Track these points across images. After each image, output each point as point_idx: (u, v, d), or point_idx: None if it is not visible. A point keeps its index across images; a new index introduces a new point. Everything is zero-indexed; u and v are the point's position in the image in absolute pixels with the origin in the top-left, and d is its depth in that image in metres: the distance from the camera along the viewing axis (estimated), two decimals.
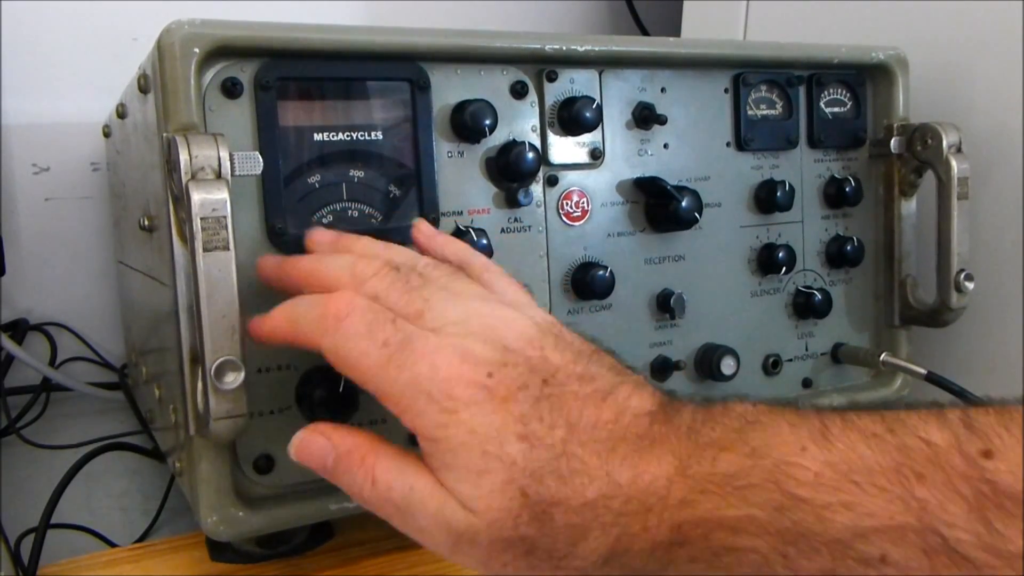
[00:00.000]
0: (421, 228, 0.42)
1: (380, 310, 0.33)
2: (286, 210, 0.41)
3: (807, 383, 0.58)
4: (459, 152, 0.46)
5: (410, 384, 0.31)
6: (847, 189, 0.57)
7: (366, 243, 0.38)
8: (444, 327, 0.32)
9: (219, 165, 0.36)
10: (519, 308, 0.34)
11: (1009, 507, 0.24)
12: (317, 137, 0.42)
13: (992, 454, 0.25)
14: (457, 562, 0.31)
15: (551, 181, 0.48)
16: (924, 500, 0.25)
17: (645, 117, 0.50)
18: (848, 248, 0.57)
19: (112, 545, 0.51)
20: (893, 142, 0.57)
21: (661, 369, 0.52)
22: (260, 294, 0.41)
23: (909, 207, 0.58)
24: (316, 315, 0.34)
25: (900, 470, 0.25)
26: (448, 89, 0.45)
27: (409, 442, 0.44)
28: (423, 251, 0.41)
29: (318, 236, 0.40)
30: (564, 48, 0.47)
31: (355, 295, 0.33)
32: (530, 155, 0.45)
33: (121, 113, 0.55)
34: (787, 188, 0.54)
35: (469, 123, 0.44)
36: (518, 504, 0.29)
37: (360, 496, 0.33)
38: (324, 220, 0.42)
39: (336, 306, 0.33)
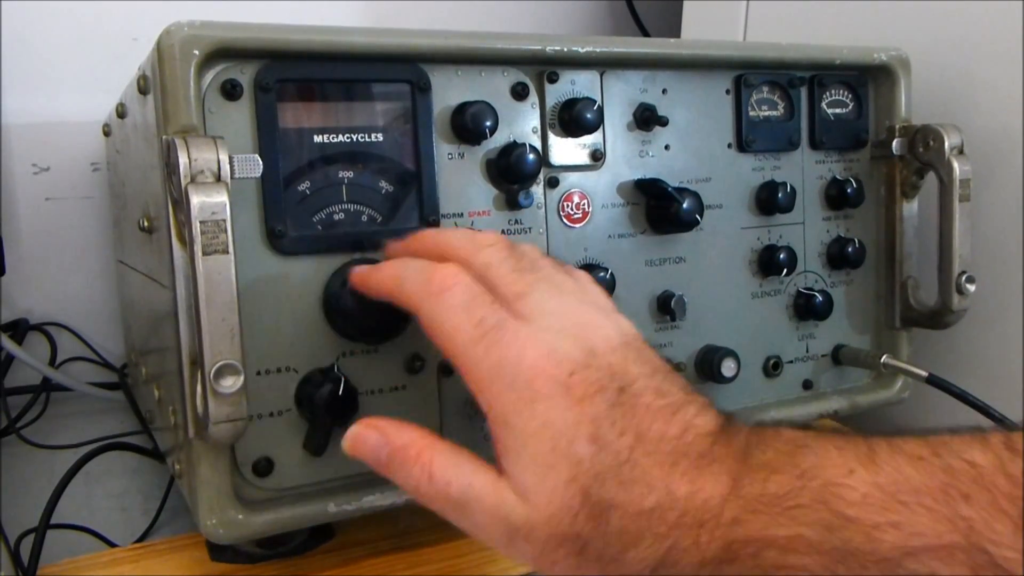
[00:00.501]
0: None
1: (482, 291, 0.34)
2: (286, 212, 0.41)
3: (807, 385, 0.58)
4: (459, 154, 0.46)
5: (495, 367, 0.32)
6: (848, 190, 0.57)
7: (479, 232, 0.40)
8: (539, 317, 0.33)
9: (219, 168, 0.36)
10: (610, 314, 0.35)
11: None
12: (317, 139, 0.42)
13: None
14: (510, 556, 0.32)
15: (552, 183, 0.48)
16: (970, 519, 0.25)
17: (646, 118, 0.50)
18: (849, 250, 0.57)
19: (112, 545, 0.51)
20: (895, 143, 0.57)
21: None
22: (261, 297, 0.41)
23: (911, 209, 0.58)
24: (422, 279, 0.35)
25: (946, 491, 0.26)
26: (449, 90, 0.45)
27: None
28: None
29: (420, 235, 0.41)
30: (565, 49, 0.47)
31: (462, 270, 0.35)
32: (531, 157, 0.45)
33: (121, 113, 0.55)
34: (788, 189, 0.54)
35: (470, 124, 0.44)
36: (578, 502, 0.30)
37: (416, 491, 0.34)
38: (324, 222, 0.42)
39: (442, 276, 0.34)
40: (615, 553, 0.30)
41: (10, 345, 0.72)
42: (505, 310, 0.33)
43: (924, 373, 0.55)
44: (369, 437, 0.35)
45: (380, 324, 0.41)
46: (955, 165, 0.55)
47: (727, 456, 0.30)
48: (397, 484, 0.34)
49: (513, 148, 0.46)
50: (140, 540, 0.52)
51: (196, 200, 0.35)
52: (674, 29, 0.88)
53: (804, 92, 0.56)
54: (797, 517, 0.27)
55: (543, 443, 0.31)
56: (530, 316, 0.33)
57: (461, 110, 0.45)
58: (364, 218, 0.43)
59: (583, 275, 0.39)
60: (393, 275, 0.37)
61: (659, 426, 0.31)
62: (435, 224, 0.44)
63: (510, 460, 0.31)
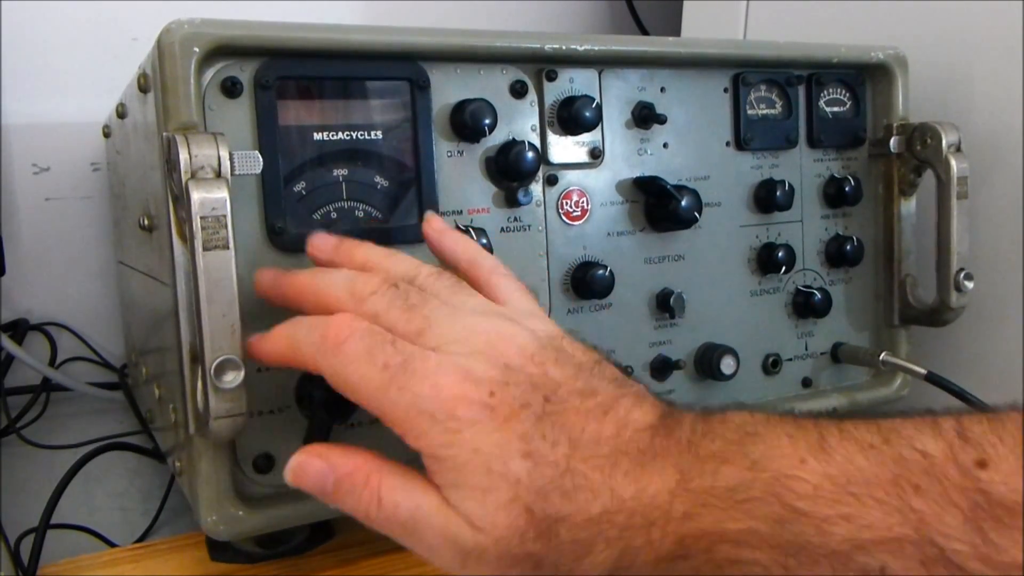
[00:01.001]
0: (432, 223, 0.41)
1: (379, 332, 0.33)
2: (286, 209, 0.41)
3: (807, 382, 0.58)
4: (459, 151, 0.46)
5: (412, 405, 0.31)
6: (847, 188, 0.57)
7: (366, 252, 0.38)
8: (445, 345, 0.32)
9: (219, 164, 0.36)
10: (521, 320, 0.34)
11: (1003, 517, 0.24)
12: (317, 136, 0.42)
13: (986, 464, 0.25)
14: None
15: (551, 180, 0.48)
16: (921, 512, 0.25)
17: (645, 116, 0.50)
18: (848, 248, 0.57)
19: (112, 545, 0.51)
20: (892, 142, 0.57)
21: (661, 369, 0.52)
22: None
23: (909, 207, 0.58)
24: (316, 339, 0.34)
25: (897, 482, 0.26)
26: (448, 88, 0.45)
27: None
28: (433, 247, 0.41)
29: (318, 242, 0.39)
30: (564, 47, 0.47)
31: (354, 318, 0.33)
32: (530, 154, 0.45)
33: (121, 113, 0.55)
34: (787, 187, 0.54)
35: (469, 122, 0.44)
36: (524, 521, 0.29)
37: (366, 517, 0.33)
38: (323, 219, 0.42)
39: (335, 330, 0.33)
40: (570, 563, 0.29)
41: (10, 345, 0.72)
42: (410, 345, 0.32)
43: (923, 371, 0.55)
44: (311, 465, 0.33)
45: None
46: (953, 163, 0.55)
47: (670, 448, 0.29)
48: (346, 511, 0.33)
49: (512, 146, 0.46)
50: (140, 540, 0.52)
51: (196, 196, 0.35)
52: (674, 29, 0.88)
53: (802, 90, 0.56)
54: (749, 511, 0.27)
55: (478, 470, 0.30)
56: (436, 347, 0.32)
57: (460, 108, 0.45)
58: (364, 215, 0.43)
59: (502, 272, 0.38)
60: (285, 341, 0.35)
61: (593, 428, 0.30)
62: None
63: (449, 492, 0.31)
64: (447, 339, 0.32)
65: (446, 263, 0.40)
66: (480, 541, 0.30)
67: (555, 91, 0.48)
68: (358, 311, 0.34)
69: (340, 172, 0.43)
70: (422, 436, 0.31)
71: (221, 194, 0.36)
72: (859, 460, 0.27)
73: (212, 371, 0.35)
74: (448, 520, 0.30)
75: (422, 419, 0.31)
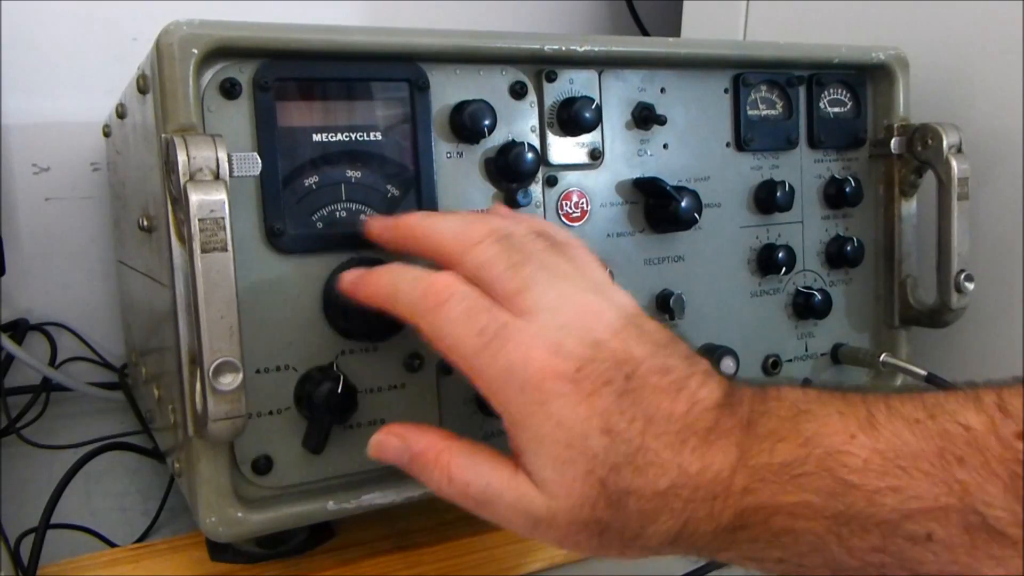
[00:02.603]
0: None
1: (477, 297, 0.34)
2: (285, 211, 0.41)
3: (807, 384, 0.57)
4: (458, 152, 0.46)
5: (503, 373, 0.33)
6: (847, 189, 0.57)
7: (467, 211, 0.40)
8: (539, 313, 0.33)
9: (217, 166, 0.36)
10: (607, 294, 0.35)
11: None
12: (316, 138, 0.42)
13: None
14: (533, 538, 0.34)
15: (550, 181, 0.48)
16: (965, 482, 0.27)
17: (645, 117, 0.50)
18: (848, 248, 0.57)
19: (112, 545, 0.51)
20: (893, 142, 0.57)
21: None
22: (259, 295, 0.41)
23: (909, 207, 0.58)
24: (417, 294, 0.35)
25: (942, 455, 0.27)
26: (447, 89, 0.45)
27: None
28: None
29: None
30: (563, 48, 0.47)
31: (456, 279, 0.35)
32: (529, 155, 0.45)
33: (121, 113, 0.55)
34: (787, 188, 0.54)
35: (468, 123, 0.44)
36: (596, 492, 0.31)
37: (439, 491, 0.35)
38: (323, 221, 0.42)
39: (436, 289, 0.35)
40: (635, 531, 0.31)
41: (10, 345, 0.72)
42: (504, 311, 0.34)
43: (923, 372, 0.55)
44: (390, 443, 0.37)
45: (379, 323, 0.41)
46: (953, 164, 0.55)
47: (733, 428, 0.31)
48: (423, 484, 0.36)
49: (512, 147, 0.46)
50: (140, 540, 0.52)
51: (195, 198, 0.35)
52: (674, 29, 0.88)
53: (803, 91, 0.56)
54: (803, 484, 0.29)
55: (558, 441, 0.31)
56: (530, 313, 0.33)
57: (460, 109, 0.45)
58: (363, 217, 0.43)
59: (576, 246, 0.39)
60: (386, 286, 0.37)
61: (666, 405, 0.31)
62: None
63: (528, 459, 0.32)
64: (542, 306, 0.34)
65: None
66: (552, 508, 0.32)
67: (555, 92, 0.48)
68: (464, 259, 0.36)
69: (339, 173, 0.42)
70: (509, 403, 0.33)
71: (219, 196, 0.36)
72: (906, 435, 0.28)
73: (211, 373, 0.35)
74: (520, 493, 0.33)
75: (511, 387, 0.32)
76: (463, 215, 0.40)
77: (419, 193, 0.44)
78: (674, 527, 0.31)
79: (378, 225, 0.41)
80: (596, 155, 0.49)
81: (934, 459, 0.27)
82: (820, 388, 0.32)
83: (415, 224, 0.39)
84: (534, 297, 0.34)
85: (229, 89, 0.40)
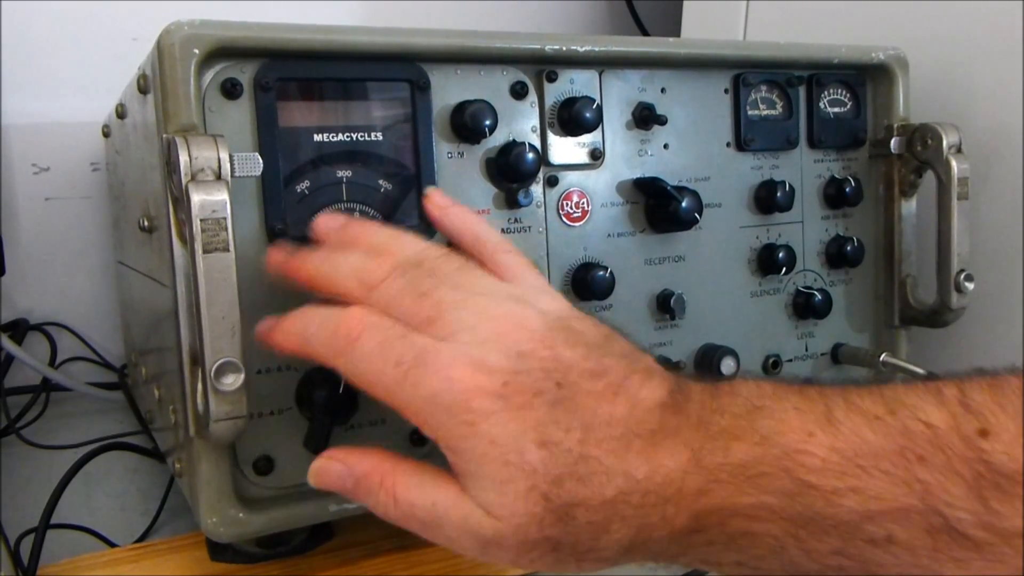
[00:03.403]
0: (433, 198, 0.41)
1: (391, 326, 0.33)
2: (286, 211, 0.41)
3: (806, 384, 0.58)
4: (459, 153, 0.46)
5: (428, 400, 0.31)
6: (847, 189, 0.57)
7: (373, 234, 0.38)
8: (456, 333, 0.32)
9: (219, 166, 0.36)
10: (529, 300, 0.34)
11: (1005, 486, 0.25)
12: (317, 138, 0.42)
13: (988, 433, 0.26)
14: (487, 561, 0.32)
15: (551, 182, 0.48)
16: (926, 482, 0.26)
17: (645, 117, 0.50)
18: (848, 248, 0.57)
19: (112, 545, 0.51)
20: (893, 142, 0.57)
21: None
22: (261, 295, 0.41)
23: (909, 207, 0.58)
24: (328, 334, 0.34)
25: (903, 453, 0.27)
26: (448, 89, 0.45)
27: (410, 441, 0.44)
28: (436, 224, 0.41)
29: (325, 223, 0.39)
30: (564, 48, 0.47)
31: (366, 312, 0.34)
32: (530, 156, 0.45)
33: (121, 113, 0.55)
34: (787, 188, 0.54)
35: (469, 124, 0.44)
36: (541, 508, 0.30)
37: (385, 515, 0.34)
38: None
39: (347, 327, 0.33)
40: (588, 544, 0.30)
41: (10, 345, 0.72)
42: (422, 335, 0.32)
43: (923, 372, 0.55)
44: (332, 469, 0.35)
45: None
46: (953, 164, 0.55)
47: (681, 426, 0.30)
48: (369, 508, 0.34)
49: (512, 147, 0.46)
50: (140, 540, 0.52)
51: (196, 198, 0.35)
52: (674, 29, 0.88)
53: (803, 91, 0.56)
54: (760, 485, 0.28)
55: (495, 461, 0.30)
56: (448, 336, 0.32)
57: (460, 109, 0.45)
58: (364, 217, 0.43)
59: (507, 248, 0.38)
60: (297, 334, 0.36)
61: (605, 410, 0.30)
62: None
63: (468, 482, 0.31)
64: (458, 327, 0.32)
65: (450, 240, 0.40)
66: (499, 529, 0.30)
67: (555, 92, 0.48)
68: (368, 300, 0.34)
69: (340, 173, 0.42)
70: (439, 428, 0.31)
71: (221, 196, 0.36)
72: (866, 433, 0.27)
73: (212, 373, 0.35)
74: (466, 513, 0.31)
75: (438, 412, 0.31)
76: (369, 245, 0.37)
77: (420, 193, 0.44)
78: (627, 535, 0.30)
79: (274, 262, 0.39)
80: (597, 155, 0.49)
81: (895, 458, 0.27)
82: (776, 382, 0.31)
83: (311, 266, 0.37)
84: (449, 320, 0.32)
85: (230, 89, 0.40)
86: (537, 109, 0.48)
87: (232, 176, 0.37)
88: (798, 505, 0.27)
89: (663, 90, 0.51)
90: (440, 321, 0.33)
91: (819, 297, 0.56)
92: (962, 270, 0.55)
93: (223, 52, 0.39)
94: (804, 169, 0.57)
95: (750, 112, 0.54)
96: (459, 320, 0.32)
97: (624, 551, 0.30)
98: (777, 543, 0.28)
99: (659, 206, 0.50)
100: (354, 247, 0.37)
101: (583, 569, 0.31)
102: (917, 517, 0.26)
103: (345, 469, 0.34)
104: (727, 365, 0.52)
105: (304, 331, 0.35)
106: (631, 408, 0.30)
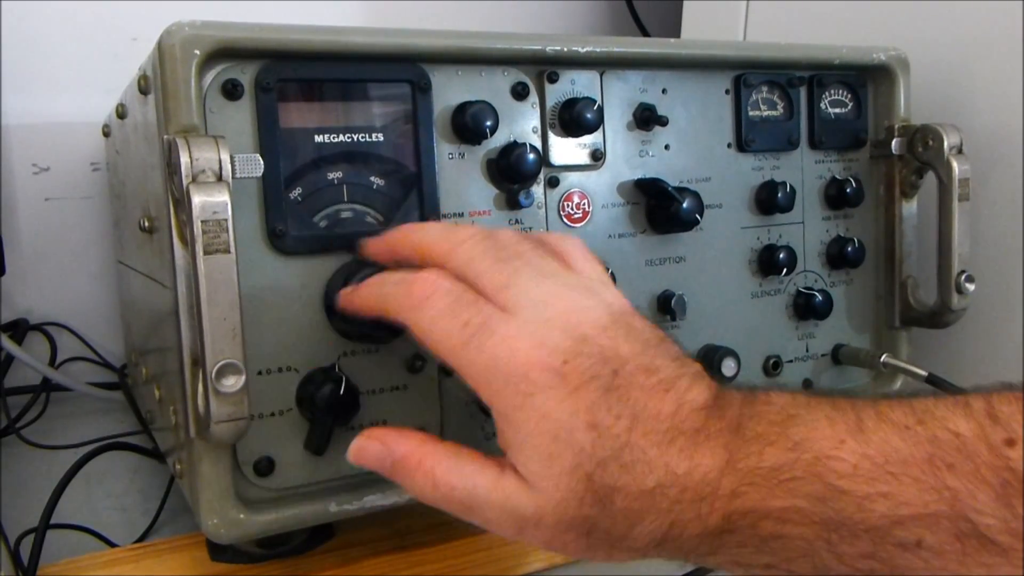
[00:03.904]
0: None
1: (462, 290, 0.34)
2: (287, 212, 0.41)
3: (807, 384, 0.58)
4: (460, 153, 0.46)
5: (489, 365, 0.32)
6: (848, 190, 0.57)
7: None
8: (525, 308, 0.33)
9: (220, 167, 0.36)
10: (596, 292, 0.35)
11: None
12: (318, 139, 0.42)
13: (1014, 443, 0.27)
14: (520, 541, 0.33)
15: (552, 182, 0.48)
16: (955, 489, 0.27)
17: (646, 118, 0.50)
18: (849, 249, 0.57)
19: (112, 545, 0.51)
20: (894, 143, 0.57)
21: None
22: (262, 297, 0.41)
23: (910, 208, 0.58)
24: (402, 293, 0.35)
25: (932, 461, 0.27)
26: (449, 90, 0.45)
27: None
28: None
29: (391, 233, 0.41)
30: (565, 49, 0.47)
31: (440, 275, 0.35)
32: (531, 156, 0.45)
33: (121, 113, 0.55)
34: (788, 189, 0.54)
35: (470, 124, 0.44)
36: (583, 487, 0.31)
37: (423, 497, 0.35)
38: (324, 222, 0.42)
39: (421, 285, 0.35)
40: (622, 531, 0.31)
41: (10, 345, 0.72)
42: (490, 305, 0.34)
43: (923, 372, 0.55)
44: (371, 448, 0.36)
45: (379, 324, 0.41)
46: (954, 165, 0.55)
47: (721, 430, 0.31)
48: (406, 489, 0.35)
49: (513, 148, 0.46)
50: (140, 540, 0.52)
51: (197, 200, 0.35)
52: (674, 29, 0.88)
53: (803, 92, 0.56)
54: (792, 489, 0.29)
55: (545, 435, 0.31)
56: (516, 308, 0.33)
57: (461, 110, 0.45)
58: (365, 218, 0.43)
59: (572, 246, 0.39)
60: (375, 295, 0.38)
61: (654, 405, 0.31)
62: None
63: (515, 452, 0.32)
64: (528, 300, 0.33)
65: None
66: (540, 505, 0.31)
67: (556, 93, 0.48)
68: (450, 255, 0.36)
69: (341, 174, 0.42)
70: (496, 395, 0.32)
71: (222, 198, 0.35)
72: (895, 441, 0.28)
73: (213, 375, 0.35)
74: (506, 495, 0.32)
75: (497, 379, 0.32)
76: (450, 224, 0.40)
77: (421, 194, 0.44)
78: (660, 528, 0.31)
79: (372, 241, 0.41)
80: (598, 156, 0.49)
81: (924, 465, 0.27)
82: (809, 393, 0.32)
83: (403, 231, 0.39)
84: (519, 292, 0.34)
85: (231, 90, 0.40)
86: (538, 110, 0.48)
87: (233, 177, 0.37)
88: (829, 509, 0.28)
89: (664, 91, 0.51)
90: (513, 288, 0.34)
91: (820, 298, 0.56)
92: (963, 271, 0.55)
93: (224, 53, 0.39)
94: (805, 170, 0.57)
95: (751, 113, 0.54)
96: (528, 294, 0.33)
97: (656, 544, 0.31)
98: (808, 546, 0.29)
99: (660, 207, 0.50)
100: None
101: (613, 558, 0.32)
102: (946, 522, 0.27)
103: (384, 449, 0.35)
104: (728, 366, 0.52)
105: (381, 289, 0.37)
106: (678, 406, 0.31)
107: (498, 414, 0.33)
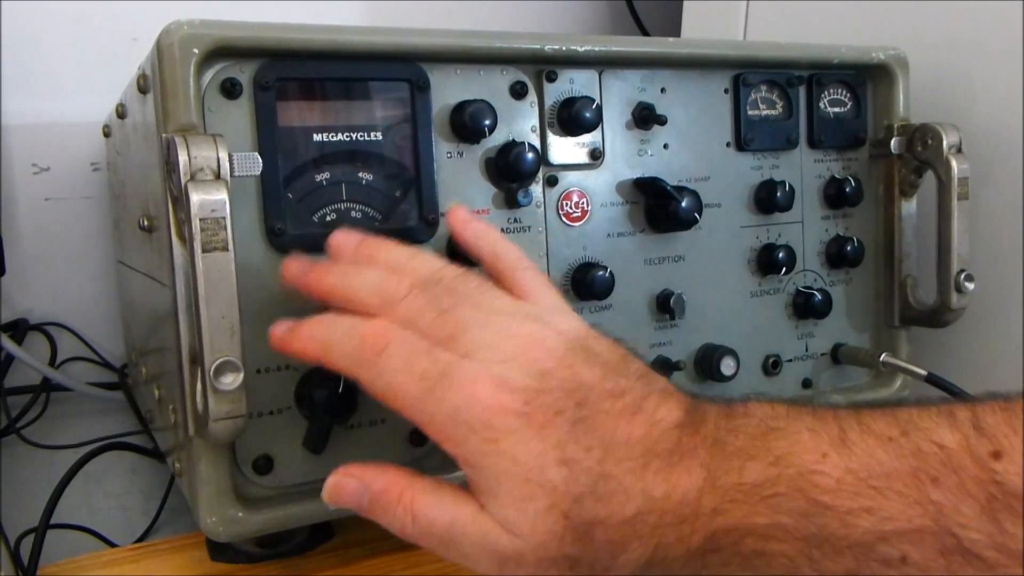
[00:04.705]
0: (456, 213, 0.41)
1: (415, 340, 0.33)
2: (285, 211, 0.41)
3: (807, 383, 0.58)
4: (459, 152, 0.46)
5: (451, 416, 0.32)
6: (847, 189, 0.57)
7: (390, 252, 0.38)
8: (478, 351, 0.32)
9: (218, 166, 0.36)
10: (549, 318, 0.34)
11: (1017, 507, 0.25)
12: (316, 137, 0.42)
13: (1001, 455, 0.26)
14: None
15: (551, 181, 0.48)
16: (939, 503, 0.26)
17: (645, 117, 0.50)
18: (848, 248, 0.57)
19: (112, 545, 0.51)
20: (893, 142, 0.57)
21: (661, 369, 0.52)
22: (260, 295, 0.41)
23: (909, 207, 0.58)
24: (352, 346, 0.34)
25: (916, 475, 0.27)
26: (448, 89, 0.45)
27: (409, 441, 0.44)
28: (456, 238, 0.41)
29: (340, 238, 0.39)
30: (564, 48, 0.47)
31: (391, 326, 0.34)
32: (530, 155, 0.45)
33: (121, 113, 0.55)
34: (787, 188, 0.54)
35: (469, 123, 0.44)
36: (561, 527, 0.30)
37: (402, 532, 0.34)
38: (323, 221, 0.42)
39: (373, 339, 0.33)
40: (606, 563, 0.30)
41: (10, 345, 0.72)
42: (446, 352, 0.33)
43: (923, 372, 0.55)
44: (347, 485, 0.35)
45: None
46: (953, 164, 0.55)
47: (697, 446, 0.30)
48: (383, 526, 0.34)
49: (512, 147, 0.46)
50: (140, 540, 0.53)
51: (196, 198, 0.35)
52: (674, 29, 0.88)
53: (803, 91, 0.56)
54: (775, 505, 0.28)
55: (516, 478, 0.31)
56: (470, 353, 0.32)
57: (460, 109, 0.45)
58: (363, 217, 0.43)
59: (526, 266, 0.38)
60: (319, 343, 0.36)
61: (623, 430, 0.31)
62: (434, 223, 0.44)
63: (488, 499, 0.31)
64: (480, 345, 0.32)
65: (469, 255, 0.40)
66: (518, 547, 0.31)
67: (555, 92, 0.48)
68: (389, 316, 0.34)
69: (340, 173, 0.42)
70: (461, 444, 0.32)
71: (220, 196, 0.36)
72: (879, 454, 0.28)
73: (211, 373, 0.35)
74: (485, 531, 0.31)
75: (460, 429, 0.31)
76: (387, 263, 0.37)
77: (419, 193, 0.44)
78: (645, 554, 0.30)
79: (290, 272, 0.38)
80: (596, 155, 0.49)
81: (908, 479, 0.27)
82: (789, 403, 0.31)
83: (331, 280, 0.37)
84: (470, 338, 0.33)
85: (230, 89, 0.40)
86: (537, 109, 0.48)
87: (231, 176, 0.37)
88: (812, 525, 0.28)
89: (663, 90, 0.51)
90: (462, 339, 0.33)
91: (819, 297, 0.56)
92: (962, 270, 0.55)
93: (223, 52, 0.39)
94: (804, 169, 0.57)
95: (750, 112, 0.54)
96: (480, 338, 0.33)
97: (641, 569, 0.30)
98: (791, 563, 0.28)
99: (659, 206, 0.50)
100: (372, 264, 0.37)
101: None
102: (930, 538, 0.26)
103: (361, 486, 0.34)
104: (727, 365, 0.52)
105: (327, 340, 0.35)
106: (649, 428, 0.31)
107: (466, 464, 0.32)
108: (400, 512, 0.33)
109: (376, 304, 0.35)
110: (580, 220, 0.49)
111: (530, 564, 0.31)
